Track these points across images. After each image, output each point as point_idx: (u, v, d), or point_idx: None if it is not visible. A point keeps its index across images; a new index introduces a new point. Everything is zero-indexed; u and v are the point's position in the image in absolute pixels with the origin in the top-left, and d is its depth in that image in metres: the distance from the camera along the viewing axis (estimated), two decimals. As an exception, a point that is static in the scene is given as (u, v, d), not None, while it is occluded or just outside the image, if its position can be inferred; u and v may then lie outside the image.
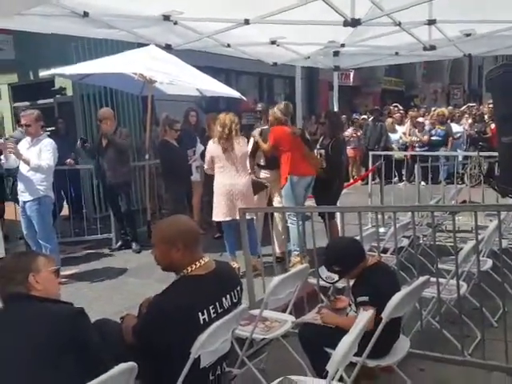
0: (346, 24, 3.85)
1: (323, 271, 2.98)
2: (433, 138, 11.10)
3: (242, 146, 5.05)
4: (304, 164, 5.27)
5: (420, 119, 11.76)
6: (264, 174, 5.50)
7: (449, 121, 11.63)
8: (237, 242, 4.85)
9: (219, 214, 5.04)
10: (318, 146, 5.68)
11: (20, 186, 5.08)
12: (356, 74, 16.47)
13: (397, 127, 11.76)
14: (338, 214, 5.17)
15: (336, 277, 2.94)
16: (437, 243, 3.93)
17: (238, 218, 4.67)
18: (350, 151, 11.44)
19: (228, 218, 5.00)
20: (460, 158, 9.38)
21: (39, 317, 1.90)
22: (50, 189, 5.10)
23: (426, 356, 3.26)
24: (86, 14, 3.57)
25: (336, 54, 5.74)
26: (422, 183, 8.33)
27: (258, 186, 5.29)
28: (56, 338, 1.83)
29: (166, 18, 3.94)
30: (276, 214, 5.33)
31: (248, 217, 4.69)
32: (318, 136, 6.98)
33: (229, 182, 4.98)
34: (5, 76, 10.03)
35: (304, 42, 5.17)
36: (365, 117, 12.92)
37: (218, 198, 5.04)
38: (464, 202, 6.38)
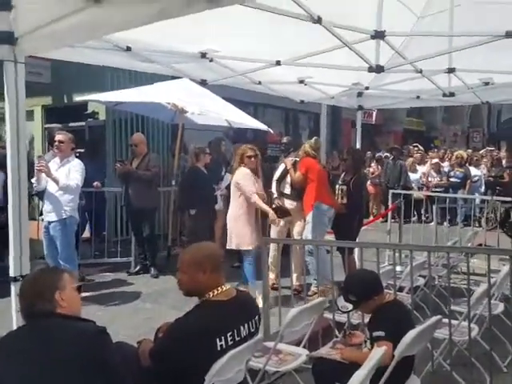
0: (370, 70, 4.09)
1: (340, 300, 3.01)
2: (451, 179, 11.19)
3: (234, 177, 5.12)
4: (329, 196, 5.51)
5: (435, 160, 11.90)
6: (288, 205, 5.60)
7: (467, 164, 11.71)
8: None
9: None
10: (339, 182, 5.81)
11: (46, 207, 5.11)
12: (378, 113, 16.62)
13: (417, 167, 11.87)
14: (356, 250, 5.26)
15: (350, 306, 2.96)
16: (451, 284, 3.94)
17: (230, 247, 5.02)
18: (370, 188, 11.57)
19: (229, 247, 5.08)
20: (477, 202, 9.43)
21: (64, 334, 1.91)
22: (76, 210, 5.17)
23: (436, 397, 3.26)
24: (128, 49, 3.85)
25: (360, 94, 5.97)
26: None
27: (282, 212, 5.40)
28: (79, 355, 1.85)
29: (203, 55, 4.19)
30: (294, 246, 5.42)
31: (244, 248, 4.97)
32: (339, 171, 7.12)
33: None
34: (39, 98, 10.35)
35: (330, 82, 5.39)
36: (387, 154, 13.04)
37: None
38: (480, 245, 6.41)
